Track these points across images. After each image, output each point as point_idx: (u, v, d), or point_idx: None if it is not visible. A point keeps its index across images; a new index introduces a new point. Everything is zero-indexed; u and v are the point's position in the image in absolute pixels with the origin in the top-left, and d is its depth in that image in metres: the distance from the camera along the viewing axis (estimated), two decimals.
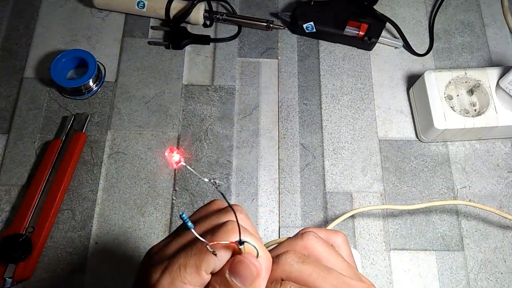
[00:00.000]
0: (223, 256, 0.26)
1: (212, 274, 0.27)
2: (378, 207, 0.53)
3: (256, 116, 0.59)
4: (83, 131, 0.56)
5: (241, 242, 0.26)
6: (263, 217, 0.53)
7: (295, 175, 0.56)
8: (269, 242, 0.38)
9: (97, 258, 0.50)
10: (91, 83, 0.58)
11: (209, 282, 0.27)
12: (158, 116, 0.58)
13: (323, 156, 0.57)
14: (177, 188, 0.54)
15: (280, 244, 0.32)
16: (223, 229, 0.27)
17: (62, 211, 0.52)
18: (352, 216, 0.54)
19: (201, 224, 0.28)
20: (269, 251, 0.30)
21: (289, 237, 0.32)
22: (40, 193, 0.51)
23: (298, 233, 0.32)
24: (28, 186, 0.52)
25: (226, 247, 0.26)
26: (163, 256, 0.28)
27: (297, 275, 0.28)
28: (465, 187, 0.56)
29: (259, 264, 0.27)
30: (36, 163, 0.54)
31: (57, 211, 0.51)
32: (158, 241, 0.30)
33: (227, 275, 0.26)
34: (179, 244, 0.28)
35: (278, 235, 0.53)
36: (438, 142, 0.58)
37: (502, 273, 0.52)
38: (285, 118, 0.59)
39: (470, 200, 0.55)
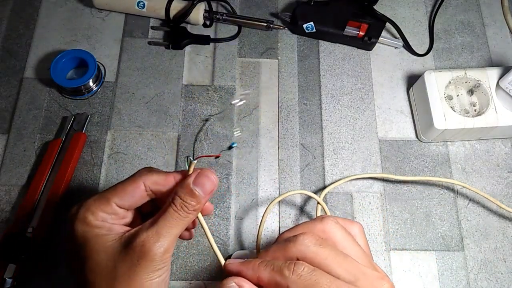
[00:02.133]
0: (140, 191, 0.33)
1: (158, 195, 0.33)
2: (376, 175, 0.55)
3: (256, 116, 0.59)
4: (83, 131, 0.56)
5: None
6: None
7: (295, 175, 0.56)
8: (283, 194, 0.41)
9: None
10: (91, 83, 0.58)
11: (175, 192, 0.32)
12: (158, 116, 0.58)
13: (323, 156, 0.57)
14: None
15: (298, 225, 0.33)
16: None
17: (62, 211, 0.52)
18: (353, 216, 0.54)
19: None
20: (287, 231, 0.33)
21: (308, 220, 0.33)
22: (40, 193, 0.51)
23: (317, 217, 0.32)
24: (28, 186, 0.52)
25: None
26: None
27: (312, 256, 0.29)
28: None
29: (217, 179, 0.33)
30: (36, 163, 0.54)
31: (57, 211, 0.51)
32: None
33: (191, 186, 0.32)
34: None
35: (278, 233, 0.53)
36: (438, 142, 0.58)
37: (502, 273, 0.52)
38: (285, 118, 0.59)
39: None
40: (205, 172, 0.32)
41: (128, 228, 0.32)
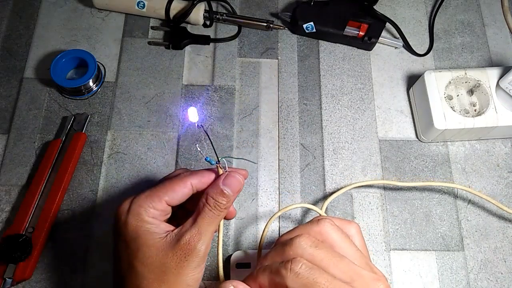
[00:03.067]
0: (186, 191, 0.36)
1: (198, 192, 0.36)
2: (376, 181, 0.55)
3: (256, 116, 0.59)
4: (83, 131, 0.56)
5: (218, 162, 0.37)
6: (263, 217, 0.53)
7: (295, 175, 0.56)
8: (285, 207, 0.45)
9: (97, 258, 0.50)
10: (91, 83, 0.58)
11: (206, 193, 0.35)
12: (158, 116, 0.58)
13: (323, 156, 0.57)
14: None
15: (295, 228, 0.33)
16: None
17: (62, 211, 0.52)
18: (353, 216, 0.54)
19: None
20: (284, 234, 0.33)
21: (304, 223, 0.33)
22: (40, 193, 0.51)
23: (313, 219, 0.33)
24: (28, 186, 0.52)
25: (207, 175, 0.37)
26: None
27: (309, 258, 0.29)
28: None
29: (243, 179, 0.36)
30: (36, 163, 0.54)
31: (57, 211, 0.51)
32: None
33: (221, 186, 0.35)
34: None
35: (278, 234, 0.53)
36: (438, 142, 0.58)
37: (502, 273, 0.52)
38: (285, 118, 0.59)
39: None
40: (232, 173, 0.36)
41: (171, 226, 0.35)
